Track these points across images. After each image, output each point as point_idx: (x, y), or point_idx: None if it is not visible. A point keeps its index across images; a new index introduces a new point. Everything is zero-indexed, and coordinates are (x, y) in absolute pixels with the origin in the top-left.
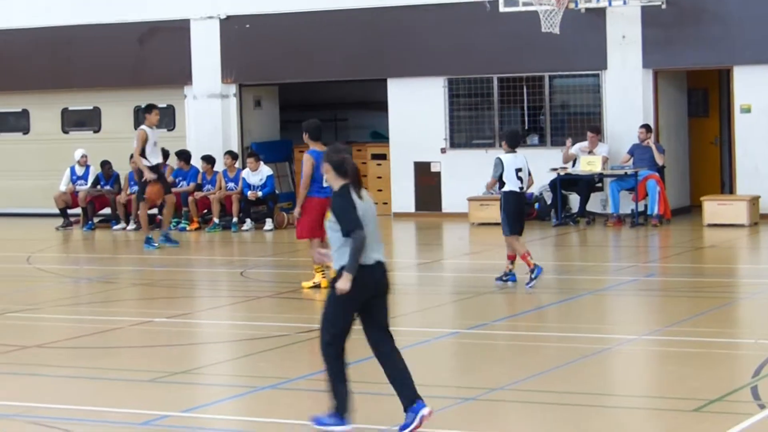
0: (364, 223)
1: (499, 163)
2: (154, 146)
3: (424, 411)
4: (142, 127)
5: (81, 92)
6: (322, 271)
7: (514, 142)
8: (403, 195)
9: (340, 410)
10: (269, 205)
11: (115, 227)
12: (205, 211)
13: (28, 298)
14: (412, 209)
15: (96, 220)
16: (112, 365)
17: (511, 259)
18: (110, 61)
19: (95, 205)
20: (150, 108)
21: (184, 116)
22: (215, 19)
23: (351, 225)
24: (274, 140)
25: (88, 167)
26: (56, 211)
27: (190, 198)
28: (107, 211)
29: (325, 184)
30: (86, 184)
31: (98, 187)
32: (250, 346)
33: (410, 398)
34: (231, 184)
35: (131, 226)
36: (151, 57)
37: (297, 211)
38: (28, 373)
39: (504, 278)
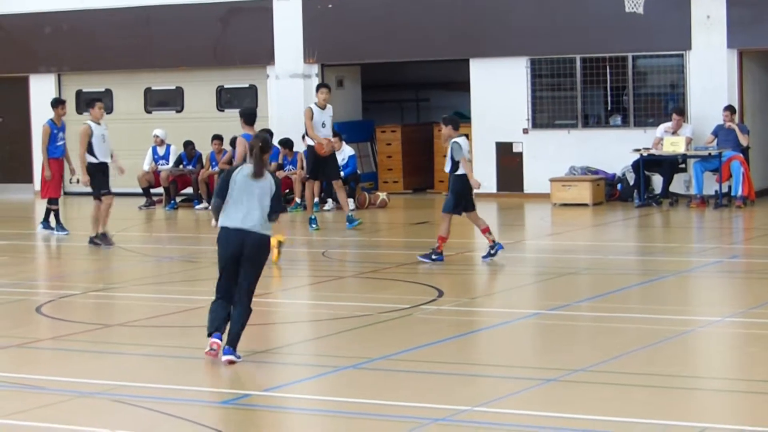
0: (234, 195)
1: (459, 147)
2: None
3: (227, 357)
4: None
5: (164, 72)
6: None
7: (458, 125)
8: (484, 175)
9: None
10: (351, 186)
11: (197, 206)
12: (287, 191)
13: (111, 277)
14: (494, 190)
15: (178, 199)
16: (194, 344)
17: (486, 231)
18: (193, 41)
19: (178, 184)
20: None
21: (266, 96)
22: None
23: (214, 193)
24: (356, 120)
25: (168, 147)
26: (139, 190)
27: None
28: (189, 190)
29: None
30: (168, 164)
31: (181, 166)
32: (332, 325)
33: (228, 342)
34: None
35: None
36: (234, 37)
37: None
38: (111, 351)
39: (492, 253)
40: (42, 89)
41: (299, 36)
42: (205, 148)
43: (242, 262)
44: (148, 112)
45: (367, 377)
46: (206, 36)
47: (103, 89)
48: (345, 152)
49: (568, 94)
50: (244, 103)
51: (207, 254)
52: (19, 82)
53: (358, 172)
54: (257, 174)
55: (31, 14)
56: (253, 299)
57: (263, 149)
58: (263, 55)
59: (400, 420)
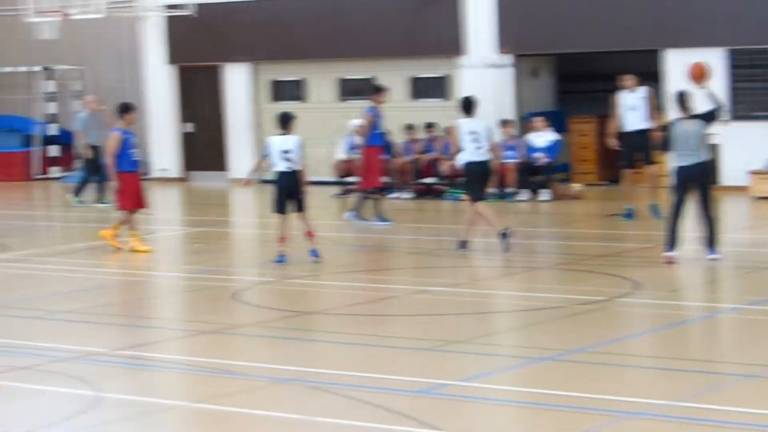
0: None
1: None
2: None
3: None
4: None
5: (357, 61)
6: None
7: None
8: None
9: None
10: (546, 176)
11: (391, 195)
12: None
13: (308, 265)
14: None
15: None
16: (390, 332)
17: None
18: (387, 31)
19: None
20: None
21: (459, 86)
22: None
23: None
24: (549, 111)
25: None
26: (334, 179)
27: None
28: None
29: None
30: None
31: None
32: (528, 316)
33: None
34: (508, 152)
35: (408, 194)
36: (427, 26)
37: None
38: (308, 338)
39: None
40: (237, 79)
41: (493, 26)
42: (397, 138)
43: None
44: (342, 101)
45: (563, 369)
46: (400, 25)
47: (297, 78)
48: (548, 135)
49: None
50: (436, 93)
51: (402, 243)
52: (214, 72)
53: (552, 163)
54: None
55: (226, 3)
56: (449, 289)
57: None
58: (457, 44)
59: (596, 413)
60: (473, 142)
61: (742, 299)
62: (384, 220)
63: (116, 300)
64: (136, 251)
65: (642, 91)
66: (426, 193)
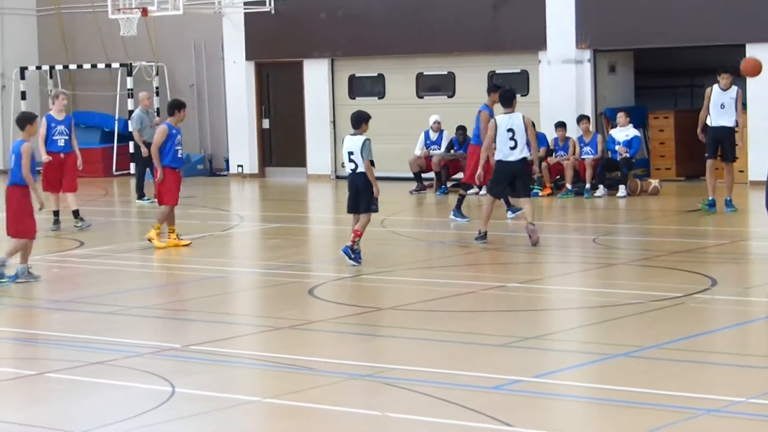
0: None
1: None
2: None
3: None
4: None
5: (436, 57)
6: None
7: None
8: (762, 162)
9: None
10: (623, 171)
11: (468, 192)
12: (558, 176)
13: (382, 261)
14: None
15: (449, 184)
16: (464, 329)
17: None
18: (465, 27)
19: (449, 169)
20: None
21: (537, 82)
22: None
23: None
24: (628, 106)
25: (441, 132)
26: (410, 174)
27: (543, 164)
28: (461, 175)
29: None
30: (440, 149)
31: (452, 151)
32: (603, 312)
33: None
34: (586, 148)
35: (483, 190)
36: (506, 22)
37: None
38: (382, 335)
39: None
40: (316, 74)
41: (572, 21)
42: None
43: None
44: (420, 97)
45: (638, 366)
46: (479, 21)
47: (375, 74)
48: (629, 131)
49: None
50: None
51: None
52: (293, 67)
53: (632, 159)
54: None
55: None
56: (524, 285)
57: None
58: (535, 40)
59: (672, 410)
60: (509, 140)
61: None
62: (463, 216)
63: (192, 296)
64: (177, 246)
65: (733, 91)
66: None
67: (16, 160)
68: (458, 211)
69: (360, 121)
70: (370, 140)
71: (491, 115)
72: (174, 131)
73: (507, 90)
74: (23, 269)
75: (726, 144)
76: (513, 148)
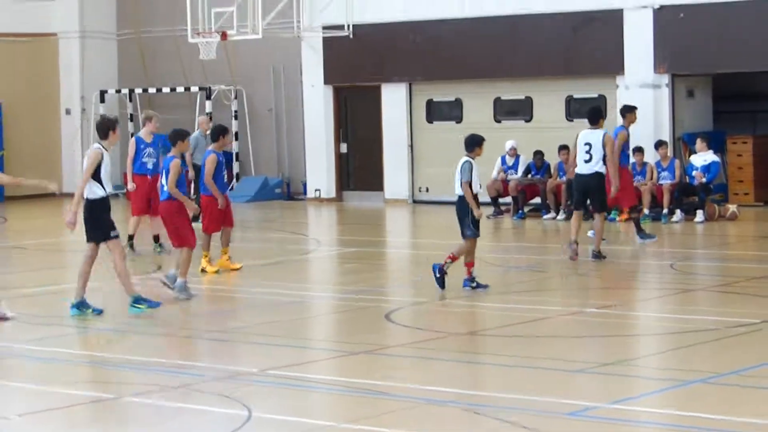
0: None
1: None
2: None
3: None
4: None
5: (514, 82)
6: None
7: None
8: None
9: None
10: (701, 197)
11: (545, 216)
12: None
13: (459, 285)
14: None
15: (526, 209)
16: (541, 354)
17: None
18: (544, 51)
19: (526, 193)
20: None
21: (615, 106)
22: (648, 9)
23: None
24: (706, 131)
25: (518, 157)
26: (488, 199)
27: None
28: (538, 200)
29: None
30: (517, 173)
31: (529, 176)
32: (680, 338)
33: None
34: (664, 173)
35: (561, 215)
36: (584, 46)
37: None
38: (459, 360)
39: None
40: (393, 98)
41: (650, 45)
42: (553, 158)
43: None
44: (498, 121)
45: (714, 392)
46: (557, 45)
47: (453, 98)
48: (708, 156)
49: None
50: None
51: (554, 264)
52: (371, 91)
53: (709, 184)
54: None
55: (382, 24)
56: (601, 310)
57: None
58: (613, 64)
59: None
60: (585, 153)
61: None
62: (649, 236)
63: (269, 320)
64: (227, 268)
65: None
66: None
67: (166, 175)
68: (642, 233)
69: (469, 143)
70: (470, 162)
71: (628, 135)
72: (221, 159)
73: (592, 108)
74: (181, 284)
75: None
76: (587, 161)
